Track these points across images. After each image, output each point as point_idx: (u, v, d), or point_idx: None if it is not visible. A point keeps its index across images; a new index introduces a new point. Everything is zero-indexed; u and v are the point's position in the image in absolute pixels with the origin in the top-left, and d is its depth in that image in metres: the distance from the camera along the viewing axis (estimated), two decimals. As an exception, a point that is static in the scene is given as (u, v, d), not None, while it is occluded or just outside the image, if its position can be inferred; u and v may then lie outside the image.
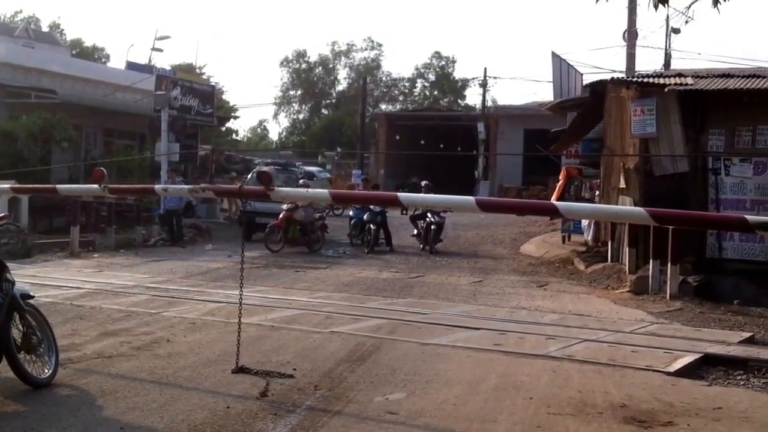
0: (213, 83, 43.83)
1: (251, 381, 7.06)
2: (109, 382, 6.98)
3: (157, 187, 10.32)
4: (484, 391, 7.03)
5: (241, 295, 7.71)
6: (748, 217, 6.08)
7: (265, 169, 16.80)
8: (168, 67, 38.84)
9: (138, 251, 19.46)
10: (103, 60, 54.53)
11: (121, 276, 14.61)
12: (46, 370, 6.83)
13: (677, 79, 15.46)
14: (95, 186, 7.99)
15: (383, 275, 15.94)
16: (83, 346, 8.38)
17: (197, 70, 51.49)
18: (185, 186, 14.32)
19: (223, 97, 55.75)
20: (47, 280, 13.28)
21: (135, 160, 27.15)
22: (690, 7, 25.48)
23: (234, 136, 62.68)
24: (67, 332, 8.97)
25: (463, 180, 42.65)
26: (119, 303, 11.25)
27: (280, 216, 19.63)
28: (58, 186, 9.84)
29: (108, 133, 31.62)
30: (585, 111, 19.33)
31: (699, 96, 14.45)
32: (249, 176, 24.80)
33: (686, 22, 29.28)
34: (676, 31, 29.87)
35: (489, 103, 53.04)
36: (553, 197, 21.97)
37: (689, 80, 15.15)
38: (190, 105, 31.89)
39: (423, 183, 22.37)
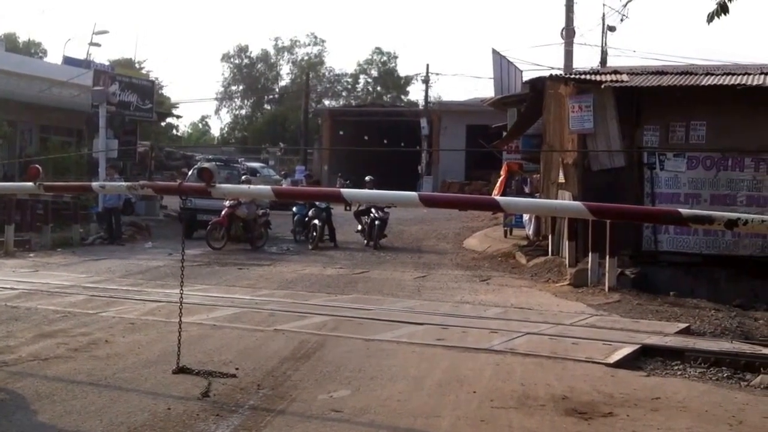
0: (152, 78, 43.21)
1: (193, 381, 6.97)
2: (45, 385, 6.82)
3: (94, 184, 10.14)
4: (429, 386, 7.06)
5: (181, 293, 7.59)
6: (682, 210, 6.20)
7: (206, 165, 16.63)
8: (107, 62, 38.11)
9: (75, 250, 19.10)
10: (40, 55, 53.34)
11: (58, 276, 14.30)
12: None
13: (613, 76, 15.75)
14: (30, 184, 7.81)
15: (327, 271, 15.91)
16: (18, 348, 8.17)
17: (137, 65, 50.72)
18: (123, 183, 14.10)
19: (163, 92, 55.09)
20: (-19, 282, 12.95)
21: (72, 157, 26.60)
22: (626, 5, 25.98)
23: (175, 132, 61.94)
24: (2, 334, 8.76)
25: (406, 175, 42.81)
26: (56, 303, 11.00)
27: (223, 213, 19.45)
28: (-9, 184, 9.60)
29: (44, 130, 30.95)
30: (526, 108, 19.58)
31: (634, 92, 14.75)
32: (190, 173, 24.51)
33: (621, 20, 29.70)
34: (612, 29, 30.32)
35: (432, 99, 53.31)
36: (495, 192, 22.19)
37: (625, 77, 15.44)
38: (129, 100, 31.39)
39: (367, 178, 22.40)
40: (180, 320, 7.37)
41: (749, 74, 15.15)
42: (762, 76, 14.81)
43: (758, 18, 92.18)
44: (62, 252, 18.59)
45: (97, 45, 36.56)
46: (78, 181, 20.56)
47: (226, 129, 74.51)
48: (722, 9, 6.83)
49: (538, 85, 18.23)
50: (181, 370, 7.22)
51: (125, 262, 16.77)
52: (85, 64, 34.30)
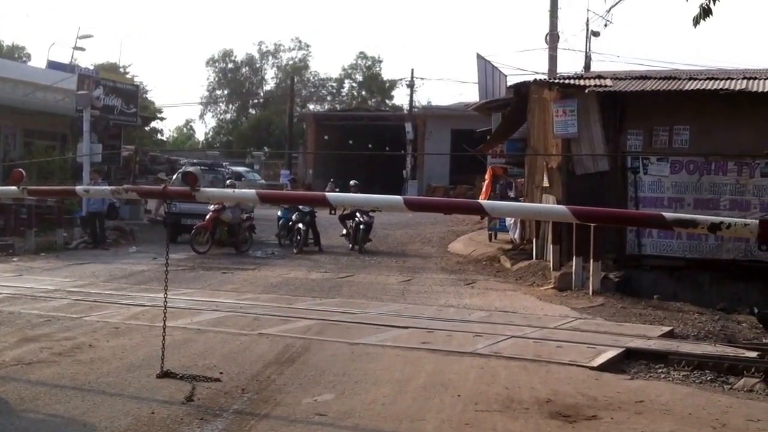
0: (137, 83, 43.07)
1: (177, 386, 6.94)
2: (29, 390, 6.78)
3: (78, 188, 10.05)
4: (413, 390, 7.06)
5: (165, 297, 7.55)
6: (666, 214, 6.23)
7: (190, 169, 16.57)
8: (91, 67, 37.97)
9: (59, 254, 19.01)
10: (24, 59, 52.98)
11: (42, 280, 14.23)
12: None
13: (597, 80, 15.84)
14: (14, 188, 7.75)
15: (312, 275, 15.89)
16: (1, 352, 8.12)
17: (121, 70, 50.50)
18: (107, 187, 14.04)
19: (148, 96, 54.88)
20: (-37, 286, 12.86)
21: (56, 161, 26.49)
22: (609, 10, 26.13)
23: (159, 136, 61.69)
24: (-15, 339, 8.71)
25: (391, 179, 42.83)
26: (39, 308, 10.94)
27: (207, 217, 19.40)
28: (-26, 188, 9.52)
29: (28, 134, 30.76)
30: (510, 112, 19.64)
31: (618, 97, 14.83)
32: (174, 177, 24.44)
33: (605, 25, 29.94)
34: (596, 34, 30.54)
35: (417, 104, 53.41)
36: (481, 196, 22.24)
37: (608, 82, 15.53)
38: (113, 105, 31.30)
39: (351, 183, 22.40)
40: (164, 324, 7.35)
41: (732, 79, 15.27)
42: (745, 81, 14.94)
43: (740, 23, 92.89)
44: (46, 256, 18.49)
45: (82, 49, 36.32)
46: (62, 185, 20.46)
47: (210, 133, 74.28)
48: (706, 12, 6.92)
49: (522, 89, 18.30)
50: (165, 375, 7.19)
51: (109, 267, 16.69)
52: (70, 68, 34.14)
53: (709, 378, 7.92)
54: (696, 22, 7.04)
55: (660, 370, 8.14)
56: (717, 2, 6.86)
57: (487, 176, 23.32)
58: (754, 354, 8.81)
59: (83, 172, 23.93)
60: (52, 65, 35.24)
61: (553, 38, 24.49)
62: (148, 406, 6.36)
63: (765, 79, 15.16)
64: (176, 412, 6.24)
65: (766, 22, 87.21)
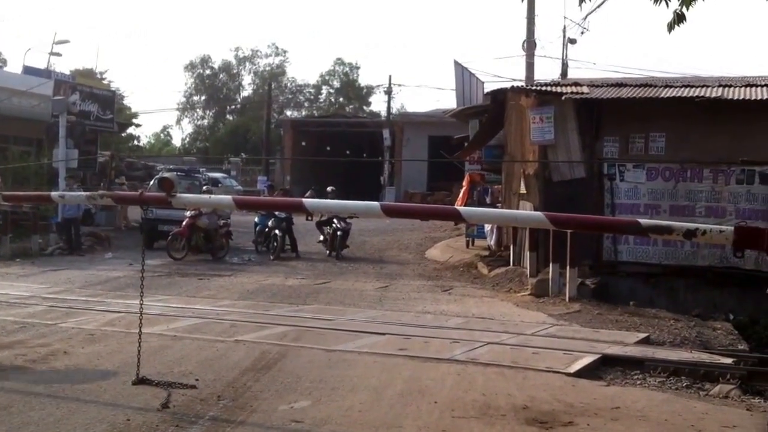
0: (114, 88, 42.78)
1: (152, 392, 6.89)
2: (2, 397, 6.71)
3: (53, 194, 10.00)
4: (390, 397, 7.05)
5: (141, 304, 7.50)
6: (642, 220, 6.27)
7: (167, 175, 16.47)
8: (68, 72, 37.64)
9: (35, 260, 18.83)
10: (0, 64, 52.50)
11: (17, 286, 14.09)
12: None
13: (574, 88, 15.92)
14: (-12, 194, 7.69)
15: (289, 282, 15.84)
16: (-26, 360, 8.04)
17: (99, 76, 50.18)
18: (83, 193, 13.93)
19: (125, 102, 54.57)
20: (-65, 293, 12.70)
21: (32, 166, 26.22)
22: (586, 18, 26.28)
23: (136, 142, 61.37)
24: (-43, 346, 8.60)
25: (369, 186, 42.83)
26: (14, 314, 10.83)
27: (183, 223, 19.28)
28: (-53, 194, 9.41)
29: (3, 140, 30.44)
30: (487, 119, 19.69)
31: (594, 104, 14.92)
32: (151, 182, 24.28)
33: (582, 33, 30.13)
34: (573, 41, 30.63)
35: (394, 110, 53.45)
36: (458, 203, 22.28)
37: (585, 89, 15.62)
38: (90, 110, 31.09)
39: (329, 189, 22.35)
40: (140, 331, 7.29)
41: (707, 86, 15.41)
42: (720, 89, 15.08)
43: (715, 31, 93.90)
44: (21, 262, 18.31)
45: (58, 55, 36.12)
46: (38, 191, 20.27)
47: (187, 139, 73.98)
48: (679, 18, 7.01)
49: (499, 96, 18.37)
50: (141, 381, 7.14)
51: (85, 273, 16.55)
52: (46, 73, 33.87)
53: (685, 384, 7.97)
54: (670, 28, 7.12)
55: (636, 377, 8.19)
56: (690, 7, 6.93)
57: (464, 183, 23.36)
58: (729, 360, 8.89)
59: (59, 177, 23.72)
60: (28, 70, 34.93)
61: (530, 45, 24.59)
62: (124, 413, 6.31)
63: (740, 87, 15.32)
64: (152, 419, 6.19)
65: (741, 30, 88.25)
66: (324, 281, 16.01)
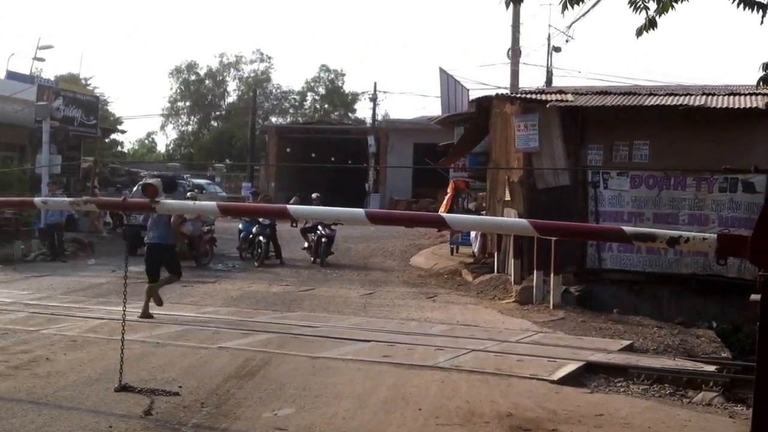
0: (97, 94, 42.57)
1: (135, 399, 6.85)
2: (-18, 405, 6.65)
3: (36, 200, 9.91)
4: (374, 404, 7.04)
5: (124, 310, 7.48)
6: (626, 228, 6.29)
7: (151, 181, 16.38)
8: (52, 78, 37.42)
9: (17, 267, 18.69)
10: (-18, 70, 52.16)
11: (-2, 293, 13.99)
12: None
13: (558, 95, 16.00)
14: (-32, 199, 7.62)
15: (273, 289, 15.79)
16: (-46, 367, 7.96)
17: (83, 81, 49.93)
18: (66, 199, 13.83)
19: (109, 108, 54.29)
20: None
21: (14, 172, 26.02)
22: (570, 26, 26.43)
23: (120, 148, 61.04)
24: (-63, 353, 8.52)
25: (353, 193, 42.79)
26: (-5, 321, 10.76)
27: (167, 229, 19.15)
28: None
29: (-15, 145, 30.26)
30: (472, 126, 19.73)
31: (579, 112, 14.98)
32: (135, 188, 24.16)
33: (567, 41, 30.21)
34: (558, 49, 30.80)
35: (379, 117, 53.45)
36: (442, 209, 22.29)
37: (569, 97, 15.69)
38: (73, 116, 30.91)
39: (313, 195, 22.32)
40: (122, 338, 7.26)
41: (691, 95, 15.50)
42: (703, 97, 15.17)
43: (698, 40, 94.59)
44: (3, 268, 18.17)
45: (42, 60, 35.81)
46: (20, 196, 20.13)
47: (172, 145, 73.63)
48: (651, 24, 7.07)
49: (484, 103, 18.42)
50: (124, 388, 7.10)
51: (67, 279, 16.45)
52: (29, 78, 33.68)
53: (668, 392, 8.00)
54: (639, 33, 7.19)
55: (619, 384, 8.20)
56: (663, 15, 7.00)
57: (449, 190, 23.38)
58: (712, 368, 8.92)
59: (42, 183, 23.57)
60: (12, 75, 34.69)
61: (515, 53, 24.72)
62: (106, 420, 6.27)
63: (723, 95, 15.42)
64: (134, 426, 6.16)
65: (724, 39, 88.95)
66: (308, 288, 15.98)
